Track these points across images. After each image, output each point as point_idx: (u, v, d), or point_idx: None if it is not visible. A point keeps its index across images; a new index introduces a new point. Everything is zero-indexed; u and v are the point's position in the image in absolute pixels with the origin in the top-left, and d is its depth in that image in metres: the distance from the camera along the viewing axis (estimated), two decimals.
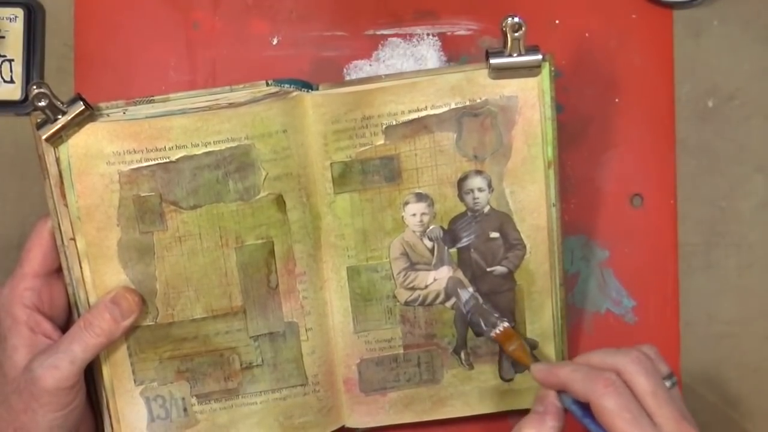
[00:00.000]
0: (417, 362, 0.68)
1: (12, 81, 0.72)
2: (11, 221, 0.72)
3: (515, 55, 0.63)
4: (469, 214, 0.66)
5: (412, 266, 0.67)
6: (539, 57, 0.63)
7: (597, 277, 0.72)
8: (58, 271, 0.64)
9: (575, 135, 0.72)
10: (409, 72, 0.66)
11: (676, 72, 0.72)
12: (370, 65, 0.71)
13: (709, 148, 0.72)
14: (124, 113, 0.63)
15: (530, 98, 0.64)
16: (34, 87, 0.60)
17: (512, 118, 0.65)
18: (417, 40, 0.72)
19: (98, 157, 0.62)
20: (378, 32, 0.72)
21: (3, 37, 0.71)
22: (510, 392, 0.69)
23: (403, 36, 0.72)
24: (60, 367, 0.60)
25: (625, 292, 0.72)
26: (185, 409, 0.67)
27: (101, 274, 0.64)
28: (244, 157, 0.64)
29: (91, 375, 0.66)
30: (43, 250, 0.64)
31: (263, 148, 0.64)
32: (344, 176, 0.65)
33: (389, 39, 0.72)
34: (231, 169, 0.64)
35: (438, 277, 0.67)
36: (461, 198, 0.66)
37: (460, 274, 0.67)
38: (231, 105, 0.63)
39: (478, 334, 0.68)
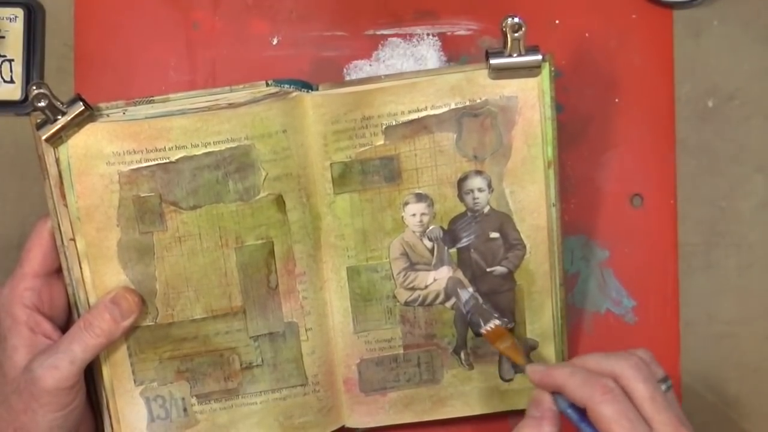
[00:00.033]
0: (417, 362, 0.69)
1: (12, 81, 0.72)
2: (11, 221, 0.72)
3: (515, 55, 0.63)
4: (469, 214, 0.66)
5: (412, 266, 0.67)
6: (539, 57, 0.63)
7: (597, 277, 0.72)
8: (58, 271, 0.64)
9: (575, 135, 0.72)
10: (409, 72, 0.66)
11: (676, 72, 0.72)
12: (370, 65, 0.71)
13: (709, 148, 0.72)
14: (124, 113, 0.63)
15: (530, 98, 0.64)
16: (34, 87, 0.60)
17: (512, 118, 0.65)
18: (417, 40, 0.72)
19: (98, 157, 0.62)
20: (378, 32, 0.72)
21: (3, 37, 0.71)
22: (510, 392, 0.69)
23: (403, 36, 0.72)
24: (60, 367, 0.60)
25: (625, 292, 0.72)
26: (185, 409, 0.67)
27: (101, 275, 0.64)
28: (244, 157, 0.64)
29: (91, 375, 0.66)
30: (43, 250, 0.64)
31: (263, 149, 0.64)
32: (344, 176, 0.65)
33: (389, 39, 0.72)
34: (231, 170, 0.64)
35: (438, 277, 0.67)
36: (461, 198, 0.66)
37: (460, 274, 0.67)
38: (231, 105, 0.63)
39: (478, 334, 0.68)
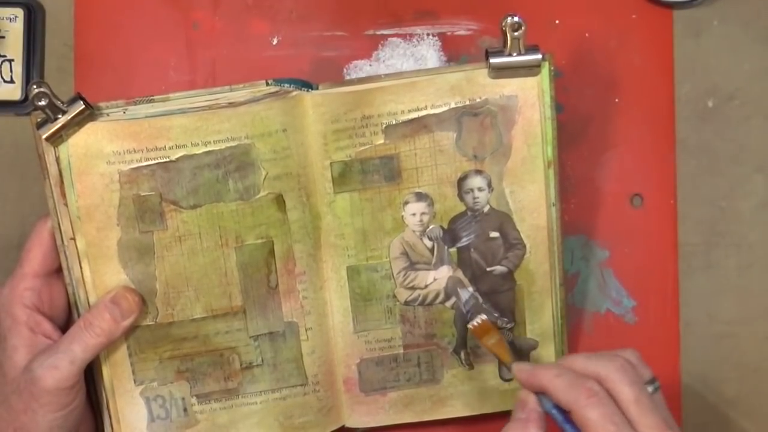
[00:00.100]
0: (417, 362, 0.68)
1: (12, 81, 0.72)
2: (11, 221, 0.72)
3: (515, 54, 0.63)
4: (469, 213, 0.66)
5: (412, 266, 0.67)
6: (539, 56, 0.63)
7: (597, 277, 0.72)
8: (58, 271, 0.64)
9: (575, 135, 0.72)
10: (409, 72, 0.66)
11: (676, 72, 0.72)
12: (370, 65, 0.72)
13: (709, 148, 0.72)
14: (124, 113, 0.63)
15: (530, 98, 0.64)
16: (34, 86, 0.60)
17: (512, 117, 0.65)
18: (417, 40, 0.72)
19: (98, 156, 0.62)
20: (378, 32, 0.72)
21: (3, 37, 0.71)
22: (510, 392, 0.69)
23: (403, 36, 0.72)
24: (60, 367, 0.60)
25: (625, 292, 0.72)
26: (185, 409, 0.67)
27: (101, 274, 0.64)
28: (244, 156, 0.64)
29: (91, 375, 0.66)
30: (43, 250, 0.64)
31: (263, 148, 0.64)
32: (344, 176, 0.65)
33: (389, 39, 0.72)
34: (231, 169, 0.64)
35: (438, 277, 0.67)
36: (461, 197, 0.66)
37: (460, 274, 0.67)
38: (231, 104, 0.63)
39: None
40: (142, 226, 0.64)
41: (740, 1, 0.72)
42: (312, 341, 0.67)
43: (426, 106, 0.64)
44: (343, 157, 0.65)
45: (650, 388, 0.57)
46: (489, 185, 0.66)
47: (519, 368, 0.59)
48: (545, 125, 0.65)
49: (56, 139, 0.61)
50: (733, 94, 0.72)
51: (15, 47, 0.72)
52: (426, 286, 0.67)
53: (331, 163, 0.65)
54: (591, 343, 0.72)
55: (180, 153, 0.63)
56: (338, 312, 0.68)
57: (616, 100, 0.72)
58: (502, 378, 0.69)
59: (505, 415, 0.70)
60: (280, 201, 0.65)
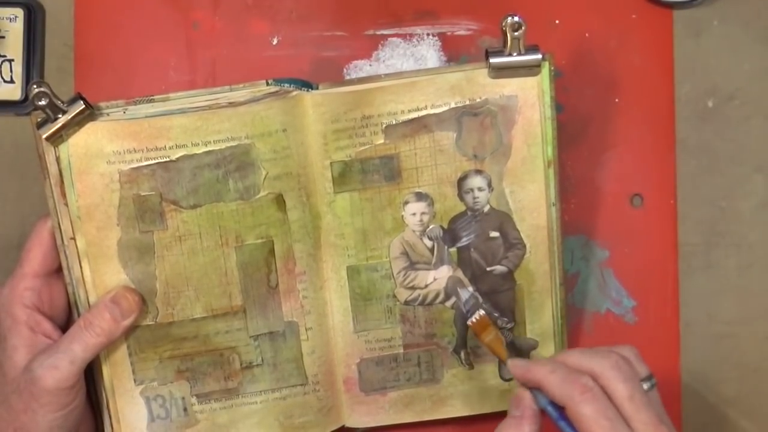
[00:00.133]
0: (417, 362, 0.68)
1: (12, 81, 0.72)
2: (11, 221, 0.72)
3: (515, 54, 0.63)
4: (469, 213, 0.66)
5: (412, 266, 0.67)
6: (539, 56, 0.63)
7: (597, 277, 0.72)
8: (58, 271, 0.64)
9: (575, 135, 0.72)
10: (409, 71, 0.66)
11: (676, 72, 0.72)
12: (370, 65, 0.72)
13: (709, 148, 0.72)
14: (124, 112, 0.63)
15: (530, 98, 0.64)
16: (34, 86, 0.60)
17: (512, 117, 0.65)
18: (417, 40, 0.72)
19: (98, 156, 0.62)
20: (378, 32, 0.72)
21: (3, 37, 0.72)
22: (510, 392, 0.69)
23: (403, 36, 0.72)
24: (60, 367, 0.60)
25: (625, 292, 0.72)
26: (185, 409, 0.67)
27: (101, 274, 0.64)
28: (244, 156, 0.64)
29: (91, 375, 0.65)
30: (43, 250, 0.64)
31: (263, 148, 0.64)
32: (344, 175, 0.65)
33: (389, 39, 0.72)
34: (231, 169, 0.64)
35: (438, 277, 0.67)
36: (461, 197, 0.66)
37: (460, 274, 0.67)
38: (231, 104, 0.63)
39: None
40: (142, 226, 0.64)
41: (740, 1, 0.72)
42: (312, 341, 0.67)
43: (426, 106, 0.64)
44: (343, 157, 0.65)
45: (646, 385, 0.57)
46: (489, 185, 0.66)
47: (514, 364, 0.59)
48: (545, 125, 0.65)
49: (56, 138, 0.61)
50: (733, 94, 0.72)
51: (15, 47, 0.72)
52: (426, 286, 0.67)
53: (331, 162, 0.65)
54: (591, 343, 0.71)
55: (180, 153, 0.63)
56: (338, 312, 0.68)
57: (616, 100, 0.72)
58: (502, 378, 0.69)
59: (504, 415, 0.70)
60: (280, 201, 0.65)
